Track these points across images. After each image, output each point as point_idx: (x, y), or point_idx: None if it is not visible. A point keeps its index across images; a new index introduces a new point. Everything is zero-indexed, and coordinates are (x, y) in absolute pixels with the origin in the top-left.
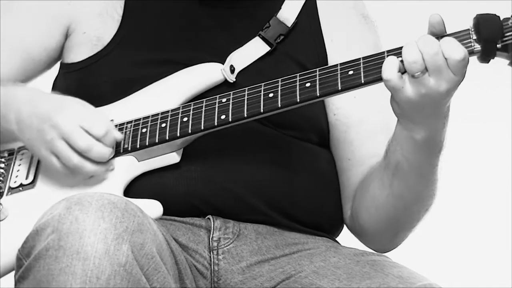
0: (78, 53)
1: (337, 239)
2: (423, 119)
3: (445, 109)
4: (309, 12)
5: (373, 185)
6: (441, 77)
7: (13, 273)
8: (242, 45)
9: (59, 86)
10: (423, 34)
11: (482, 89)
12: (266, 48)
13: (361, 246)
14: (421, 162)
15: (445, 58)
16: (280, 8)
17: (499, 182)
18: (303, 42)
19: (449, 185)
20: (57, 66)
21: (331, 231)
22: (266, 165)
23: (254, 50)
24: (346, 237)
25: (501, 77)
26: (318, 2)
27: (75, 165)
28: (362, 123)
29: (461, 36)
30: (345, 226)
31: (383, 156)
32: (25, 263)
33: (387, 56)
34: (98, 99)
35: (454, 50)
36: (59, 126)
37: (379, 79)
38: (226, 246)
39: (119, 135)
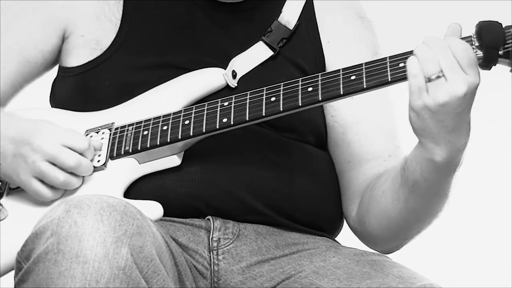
0: (77, 57)
1: (337, 239)
2: (444, 134)
3: (465, 124)
4: (307, 14)
5: (385, 197)
6: (456, 78)
7: (13, 273)
8: (245, 50)
9: (58, 89)
10: (428, 36)
11: (482, 90)
12: (268, 53)
13: (361, 246)
14: (440, 182)
15: (452, 51)
16: (280, 11)
17: (499, 182)
18: (302, 44)
19: None
20: (55, 68)
21: (330, 230)
22: (265, 166)
23: (256, 55)
24: (346, 237)
25: (501, 78)
26: (315, 3)
27: (63, 182)
28: (359, 124)
29: None
30: (345, 226)
31: (399, 172)
32: (25, 266)
33: (390, 61)
34: (100, 102)
35: (457, 41)
36: (42, 148)
37: (381, 84)
38: (226, 246)
39: (98, 144)
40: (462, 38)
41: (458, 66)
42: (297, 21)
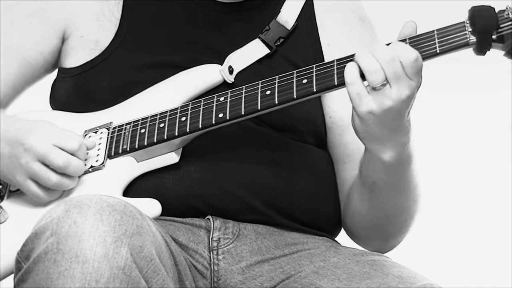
0: (76, 58)
1: (337, 239)
2: (387, 135)
3: (406, 122)
4: (307, 15)
5: (353, 198)
6: (400, 84)
7: (13, 275)
8: (241, 47)
9: (57, 90)
10: (374, 42)
11: (482, 90)
12: (265, 51)
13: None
14: (396, 179)
15: (400, 61)
16: (279, 11)
17: (499, 182)
18: (301, 45)
19: (449, 186)
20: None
21: (330, 230)
22: (264, 165)
23: (253, 52)
24: (346, 237)
25: (501, 78)
26: (315, 4)
27: (56, 183)
28: None
29: (456, 29)
30: None
31: (358, 173)
32: (24, 266)
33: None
34: (98, 103)
35: (407, 51)
36: (34, 148)
37: None
38: (226, 246)
39: (91, 144)
40: (455, 24)
41: (404, 74)
42: (295, 22)
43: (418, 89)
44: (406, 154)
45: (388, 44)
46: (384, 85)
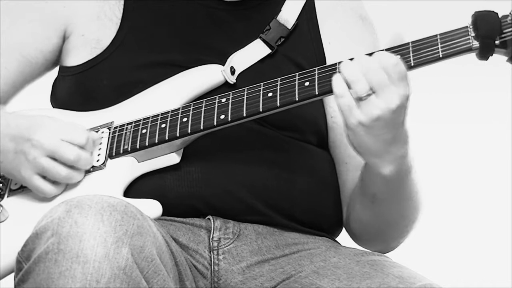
0: (77, 56)
1: (337, 239)
2: (383, 147)
3: (403, 133)
4: (308, 14)
5: (355, 205)
6: (387, 93)
7: (13, 274)
8: (243, 47)
9: (58, 89)
10: (358, 56)
11: (482, 91)
12: (266, 51)
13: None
14: (397, 190)
15: (383, 68)
16: (280, 10)
17: (499, 183)
18: (302, 44)
19: (449, 187)
20: (56, 68)
21: (330, 231)
22: (265, 165)
23: (254, 52)
24: (346, 237)
25: (501, 79)
26: (316, 4)
27: (65, 177)
28: None
29: (459, 33)
30: None
31: (359, 183)
32: (25, 266)
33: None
34: (99, 102)
35: (388, 56)
36: (42, 144)
37: None
38: (226, 246)
39: (96, 136)
40: (458, 29)
41: (388, 81)
42: (296, 21)
43: (408, 99)
44: (406, 165)
45: (369, 55)
46: (369, 94)
